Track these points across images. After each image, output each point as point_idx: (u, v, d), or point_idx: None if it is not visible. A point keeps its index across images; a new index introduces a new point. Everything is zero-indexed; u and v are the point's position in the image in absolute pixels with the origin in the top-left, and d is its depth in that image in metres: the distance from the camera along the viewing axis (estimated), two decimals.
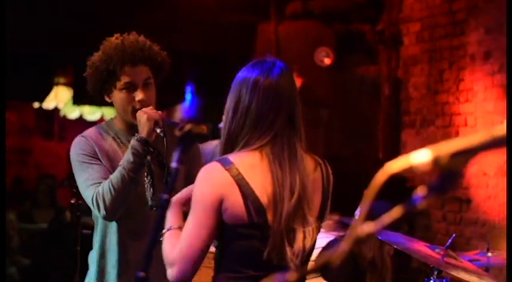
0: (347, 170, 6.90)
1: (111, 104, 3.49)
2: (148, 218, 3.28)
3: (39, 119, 14.00)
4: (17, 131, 13.76)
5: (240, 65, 2.69)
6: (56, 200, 10.16)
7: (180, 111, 10.25)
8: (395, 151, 7.71)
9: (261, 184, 2.53)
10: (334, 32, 8.17)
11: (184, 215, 2.67)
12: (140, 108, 3.27)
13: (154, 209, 3.28)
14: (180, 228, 2.61)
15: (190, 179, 2.97)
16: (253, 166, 2.54)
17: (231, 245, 2.56)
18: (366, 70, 8.23)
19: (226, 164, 2.53)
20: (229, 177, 2.51)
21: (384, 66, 8.03)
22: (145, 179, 3.31)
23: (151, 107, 3.28)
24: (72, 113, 12.37)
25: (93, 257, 3.47)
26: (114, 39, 3.37)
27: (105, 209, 3.20)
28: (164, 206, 2.18)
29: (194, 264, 2.52)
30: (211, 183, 2.52)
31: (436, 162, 1.39)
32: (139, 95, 3.31)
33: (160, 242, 2.61)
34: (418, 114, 7.70)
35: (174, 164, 2.18)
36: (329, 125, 8.17)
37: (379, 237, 3.90)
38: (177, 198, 2.74)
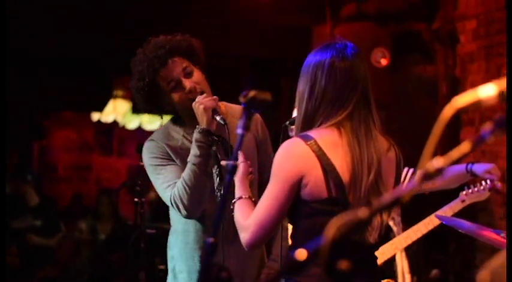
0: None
1: (170, 112, 3.46)
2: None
3: (98, 135, 14.13)
4: (77, 148, 13.93)
5: (297, 67, 2.73)
6: (117, 212, 10.27)
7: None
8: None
9: (342, 161, 2.55)
10: (390, 33, 8.12)
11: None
12: (195, 98, 3.23)
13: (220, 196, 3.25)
14: (250, 197, 2.69)
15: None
16: (333, 143, 2.57)
17: (307, 220, 2.58)
18: (423, 69, 8.17)
19: (308, 139, 2.55)
20: (311, 152, 2.53)
21: (441, 65, 7.95)
22: (213, 169, 3.27)
23: (204, 95, 3.23)
24: (131, 122, 12.37)
25: (175, 239, 3.46)
26: (138, 55, 3.34)
27: (185, 208, 3.17)
28: (231, 172, 2.20)
29: (268, 232, 2.56)
30: (293, 158, 2.55)
31: (502, 95, 1.40)
32: (186, 86, 3.27)
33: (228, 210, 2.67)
34: (476, 111, 7.59)
35: (239, 131, 2.20)
36: (387, 125, 8.11)
37: (445, 223, 3.88)
38: (241, 173, 2.79)
